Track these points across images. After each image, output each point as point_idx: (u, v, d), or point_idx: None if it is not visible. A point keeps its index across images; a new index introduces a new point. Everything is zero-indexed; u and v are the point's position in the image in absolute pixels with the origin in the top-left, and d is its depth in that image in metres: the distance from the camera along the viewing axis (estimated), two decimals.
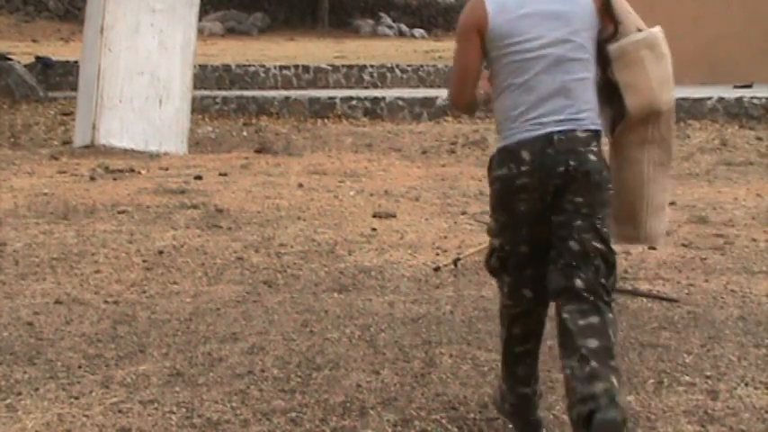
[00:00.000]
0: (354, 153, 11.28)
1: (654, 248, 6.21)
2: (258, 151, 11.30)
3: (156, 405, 3.67)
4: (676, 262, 6.03)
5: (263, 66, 18.18)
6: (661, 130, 3.28)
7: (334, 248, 6.34)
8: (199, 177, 9.04)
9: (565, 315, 3.05)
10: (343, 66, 19.02)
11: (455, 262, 5.86)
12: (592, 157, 3.11)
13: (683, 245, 6.48)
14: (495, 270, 3.33)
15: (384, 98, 14.17)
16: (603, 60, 3.20)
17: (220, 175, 9.36)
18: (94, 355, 4.26)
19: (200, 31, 17.92)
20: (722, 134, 11.64)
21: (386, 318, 4.84)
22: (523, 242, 3.21)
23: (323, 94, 15.03)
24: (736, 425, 3.53)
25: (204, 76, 16.53)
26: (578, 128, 3.11)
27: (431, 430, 3.48)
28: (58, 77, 16.55)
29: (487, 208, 3.40)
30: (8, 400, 3.71)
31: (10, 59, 15.74)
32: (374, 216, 7.39)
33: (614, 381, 2.95)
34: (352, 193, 8.46)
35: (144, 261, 5.97)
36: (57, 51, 19.36)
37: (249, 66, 18.09)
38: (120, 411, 3.61)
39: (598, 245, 3.09)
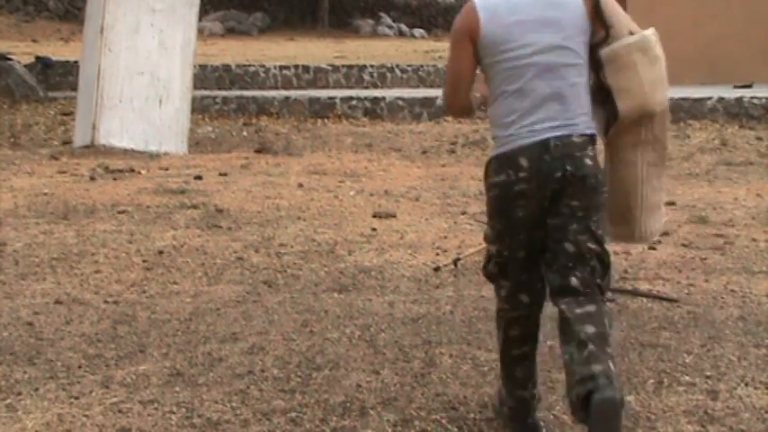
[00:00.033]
0: (354, 153, 11.28)
1: (654, 248, 6.21)
2: (258, 151, 11.29)
3: (156, 405, 3.67)
4: (676, 262, 6.03)
5: (263, 66, 18.19)
6: (655, 131, 3.29)
7: (334, 248, 6.34)
8: (199, 177, 9.04)
9: (563, 306, 3.12)
10: (343, 66, 19.03)
11: (455, 262, 5.86)
12: (588, 162, 3.14)
13: (683, 245, 6.48)
14: (494, 276, 3.36)
15: (384, 98, 14.17)
16: (596, 64, 3.21)
17: (220, 175, 9.36)
18: (94, 355, 4.26)
19: (200, 31, 17.92)
20: (722, 134, 11.64)
21: (386, 318, 4.84)
22: (521, 247, 3.24)
23: (323, 94, 15.03)
24: (736, 425, 3.53)
25: (204, 76, 16.53)
26: (574, 133, 3.13)
27: (431, 430, 3.48)
28: (58, 77, 16.56)
29: None
30: (8, 400, 3.71)
31: (10, 59, 15.75)
32: (374, 216, 7.39)
33: (611, 365, 3.01)
34: (352, 193, 8.46)
35: (144, 261, 5.97)
36: (57, 51, 19.36)
37: (249, 66, 18.10)
38: (120, 411, 3.61)
39: (593, 246, 3.14)
